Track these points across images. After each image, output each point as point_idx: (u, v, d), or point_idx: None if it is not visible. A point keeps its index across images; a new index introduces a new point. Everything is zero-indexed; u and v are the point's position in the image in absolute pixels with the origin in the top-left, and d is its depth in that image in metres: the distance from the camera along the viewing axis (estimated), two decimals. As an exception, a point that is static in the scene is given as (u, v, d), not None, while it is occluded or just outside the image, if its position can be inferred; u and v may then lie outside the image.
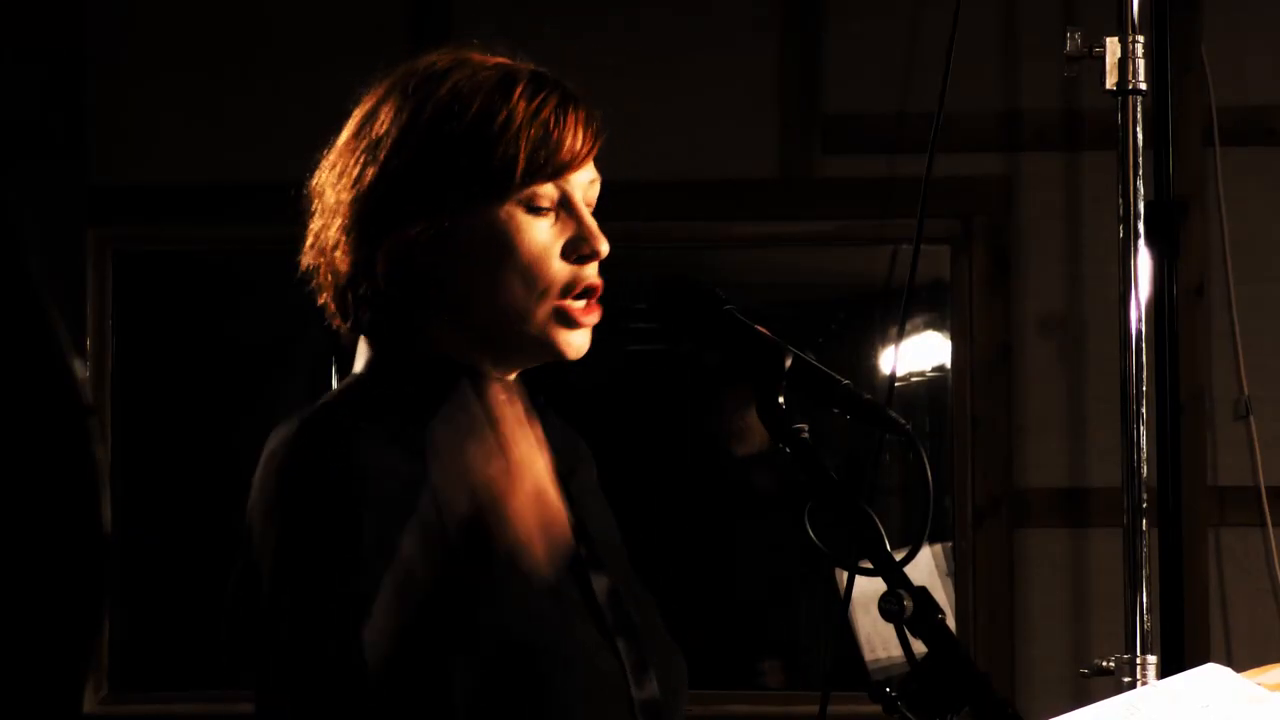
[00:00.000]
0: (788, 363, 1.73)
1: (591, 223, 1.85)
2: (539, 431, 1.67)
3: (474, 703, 1.71)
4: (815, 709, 3.57)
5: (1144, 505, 3.16)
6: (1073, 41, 3.22)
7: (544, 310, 1.82)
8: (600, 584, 1.83)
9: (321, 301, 1.88)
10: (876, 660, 4.30)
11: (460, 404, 1.67)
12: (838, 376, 1.74)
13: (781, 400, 1.72)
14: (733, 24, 4.50)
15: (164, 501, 4.66)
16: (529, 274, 1.81)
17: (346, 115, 1.90)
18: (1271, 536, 4.32)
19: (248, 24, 4.54)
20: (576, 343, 1.84)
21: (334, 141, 1.88)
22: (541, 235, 1.82)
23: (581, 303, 1.83)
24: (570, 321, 1.83)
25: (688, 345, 1.81)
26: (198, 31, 4.55)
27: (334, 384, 5.11)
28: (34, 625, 1.15)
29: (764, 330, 1.76)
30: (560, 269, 1.82)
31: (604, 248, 1.84)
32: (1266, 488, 4.33)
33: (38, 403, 1.14)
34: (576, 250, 1.83)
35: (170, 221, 4.56)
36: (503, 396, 1.70)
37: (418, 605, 1.65)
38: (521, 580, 1.73)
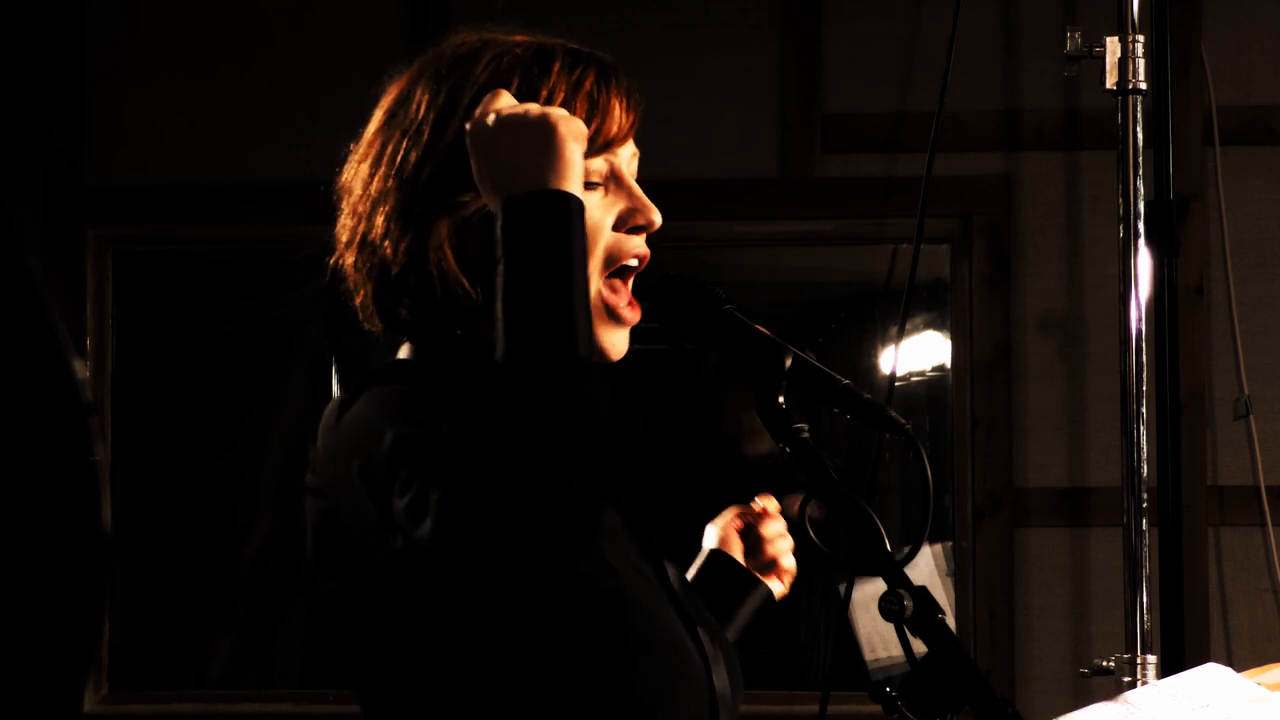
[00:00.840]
0: (788, 362, 1.72)
1: (642, 194, 1.83)
2: None
3: (563, 679, 1.69)
4: (815, 709, 3.57)
5: (1144, 505, 3.16)
6: (1073, 41, 3.22)
7: (594, 289, 1.78)
8: (673, 573, 1.83)
9: (359, 300, 1.83)
10: (876, 660, 4.30)
11: None
12: (838, 376, 1.73)
13: (781, 400, 1.72)
14: (733, 24, 4.51)
15: (164, 501, 4.66)
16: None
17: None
18: (1271, 536, 4.32)
19: (247, 24, 4.54)
20: (619, 344, 1.82)
21: (361, 135, 1.84)
22: (594, 209, 1.79)
23: (626, 301, 1.81)
24: (615, 317, 1.80)
25: (688, 345, 1.80)
26: (197, 31, 4.55)
27: (334, 383, 5.10)
28: (34, 625, 1.14)
29: (764, 330, 1.76)
30: (612, 240, 1.80)
31: (657, 219, 1.83)
32: (1266, 487, 4.33)
33: (38, 403, 1.14)
34: (629, 222, 1.81)
35: (170, 221, 4.56)
36: None
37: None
38: (612, 563, 1.73)
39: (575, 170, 1.68)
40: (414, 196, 1.77)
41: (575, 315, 1.63)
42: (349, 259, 1.82)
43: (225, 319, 4.73)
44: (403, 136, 1.79)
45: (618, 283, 1.82)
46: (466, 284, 1.76)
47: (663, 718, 1.71)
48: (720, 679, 1.78)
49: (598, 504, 1.59)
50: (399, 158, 1.78)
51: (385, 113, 1.82)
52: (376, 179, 1.79)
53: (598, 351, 1.80)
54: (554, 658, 1.68)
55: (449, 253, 1.76)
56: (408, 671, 1.71)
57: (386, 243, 1.78)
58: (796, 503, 1.72)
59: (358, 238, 1.81)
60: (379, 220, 1.78)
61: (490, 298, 1.72)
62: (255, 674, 4.74)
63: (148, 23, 4.56)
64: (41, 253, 4.37)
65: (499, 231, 1.66)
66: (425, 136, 1.77)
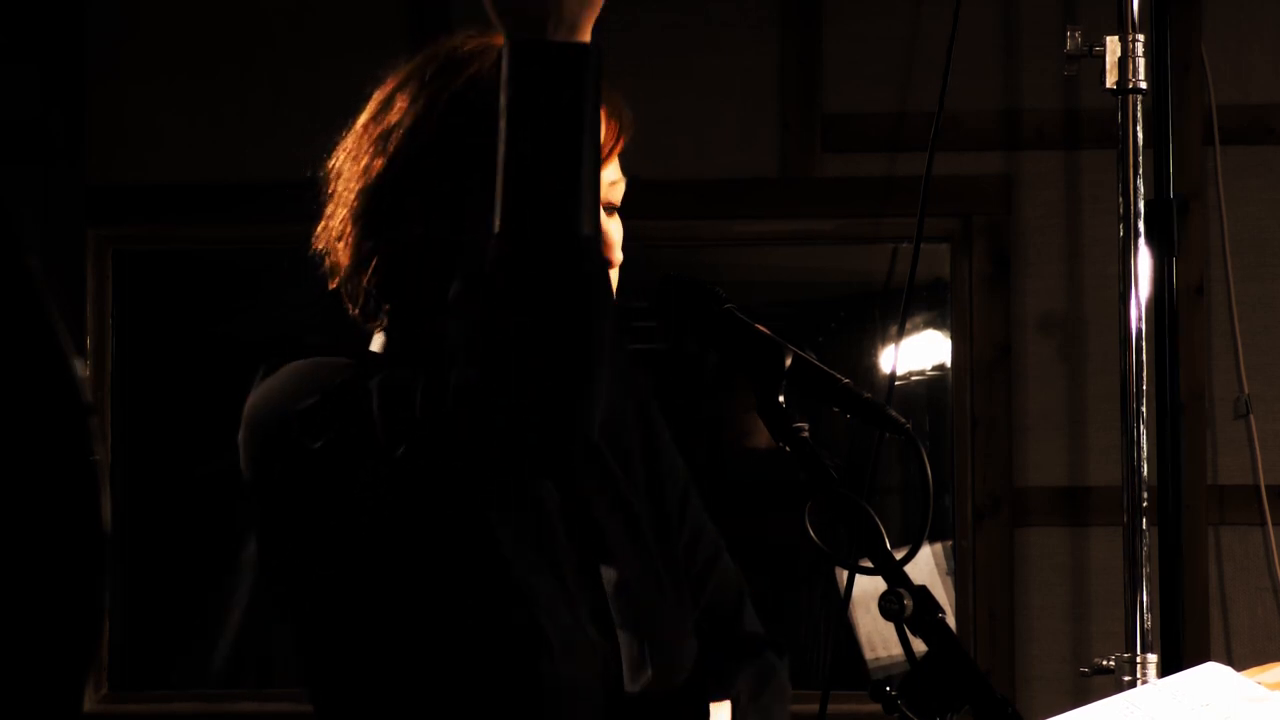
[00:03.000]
0: (788, 362, 1.72)
1: (608, 229, 1.79)
2: None
3: (461, 683, 1.70)
4: (815, 708, 3.57)
5: (1144, 504, 3.16)
6: (1072, 40, 3.22)
7: None
8: (609, 575, 1.82)
9: (333, 286, 1.84)
10: (876, 660, 4.30)
11: None
12: (838, 375, 1.73)
13: (781, 399, 1.71)
14: (733, 24, 4.51)
15: (164, 500, 4.66)
16: None
17: (348, 111, 1.88)
18: (1271, 536, 4.32)
19: (247, 24, 4.54)
20: None
21: (352, 124, 1.84)
22: None
23: None
24: None
25: (689, 344, 1.79)
26: (197, 31, 4.55)
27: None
28: (34, 625, 1.14)
29: (764, 329, 1.75)
30: None
31: (617, 257, 1.80)
32: (1266, 487, 4.33)
33: (38, 403, 1.14)
34: None
35: (170, 221, 4.56)
36: None
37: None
38: (522, 560, 1.73)
39: (594, 10, 1.58)
40: (368, 207, 1.77)
41: (581, 189, 1.53)
42: (322, 245, 1.84)
43: (225, 319, 4.73)
44: (375, 140, 1.79)
45: None
46: (400, 301, 1.78)
47: (554, 711, 1.71)
48: (640, 680, 1.78)
49: (590, 414, 1.53)
50: (366, 161, 1.79)
51: (372, 109, 1.82)
52: (348, 177, 1.81)
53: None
54: (455, 646, 1.69)
55: (377, 278, 1.77)
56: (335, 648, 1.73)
57: (340, 244, 1.80)
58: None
59: (328, 229, 1.83)
60: (339, 220, 1.80)
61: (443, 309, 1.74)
62: (255, 674, 4.74)
63: (148, 23, 4.56)
64: (41, 253, 4.36)
65: (503, 77, 1.56)
66: (393, 146, 1.77)
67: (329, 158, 1.84)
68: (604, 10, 1.62)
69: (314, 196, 1.87)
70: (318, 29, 4.51)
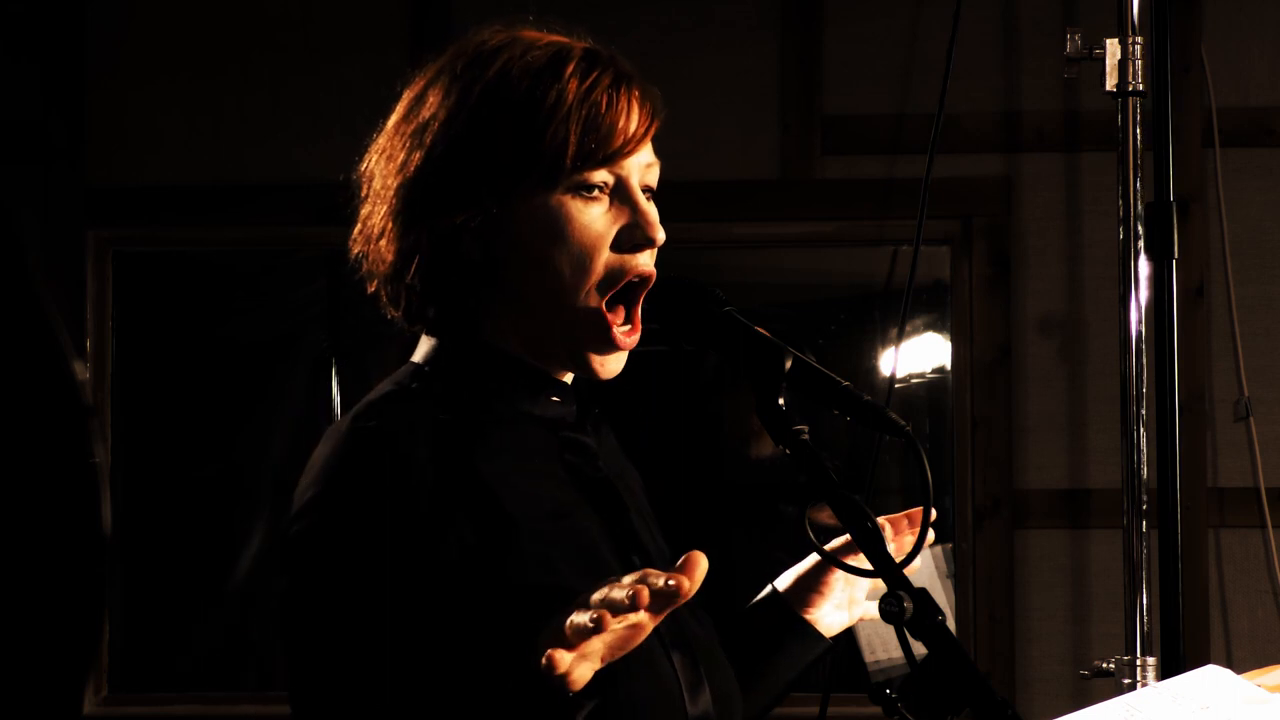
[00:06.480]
0: (788, 364, 1.72)
1: (647, 210, 1.80)
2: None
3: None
4: (815, 710, 3.57)
5: (1144, 506, 3.16)
6: (1073, 43, 3.22)
7: (590, 304, 1.76)
8: None
9: (371, 289, 1.83)
10: (876, 662, 4.30)
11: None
12: (838, 378, 1.73)
13: (781, 401, 1.71)
14: (733, 24, 4.50)
15: (164, 501, 4.66)
16: (580, 262, 1.76)
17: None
18: (1271, 538, 4.32)
19: (247, 25, 4.54)
20: (611, 366, 1.80)
21: (383, 125, 1.84)
22: (594, 223, 1.77)
23: (624, 325, 1.78)
24: (609, 342, 1.78)
25: (688, 346, 1.80)
26: (197, 33, 4.55)
27: (334, 384, 5.08)
28: (34, 626, 1.15)
29: (764, 331, 1.75)
30: (612, 258, 1.78)
31: (660, 236, 1.80)
32: (1266, 489, 4.33)
33: (38, 403, 1.14)
34: (631, 239, 1.79)
35: (170, 222, 4.56)
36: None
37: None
38: (572, 584, 1.71)
39: None
40: (412, 197, 1.77)
41: None
42: (360, 248, 1.83)
43: (225, 321, 4.73)
44: (411, 136, 1.79)
45: (620, 307, 1.79)
46: (448, 289, 1.77)
47: None
48: (700, 702, 1.76)
49: None
50: (403, 157, 1.79)
51: (404, 107, 1.83)
52: (386, 175, 1.80)
53: (587, 369, 1.79)
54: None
55: (423, 264, 1.76)
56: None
57: (382, 241, 1.79)
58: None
59: (365, 229, 1.82)
60: (380, 217, 1.80)
61: (486, 298, 1.75)
62: (255, 675, 4.74)
63: (148, 23, 4.56)
64: (41, 253, 4.37)
65: None
66: (429, 139, 1.77)
67: (361, 161, 1.84)
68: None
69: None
70: (318, 31, 4.51)
